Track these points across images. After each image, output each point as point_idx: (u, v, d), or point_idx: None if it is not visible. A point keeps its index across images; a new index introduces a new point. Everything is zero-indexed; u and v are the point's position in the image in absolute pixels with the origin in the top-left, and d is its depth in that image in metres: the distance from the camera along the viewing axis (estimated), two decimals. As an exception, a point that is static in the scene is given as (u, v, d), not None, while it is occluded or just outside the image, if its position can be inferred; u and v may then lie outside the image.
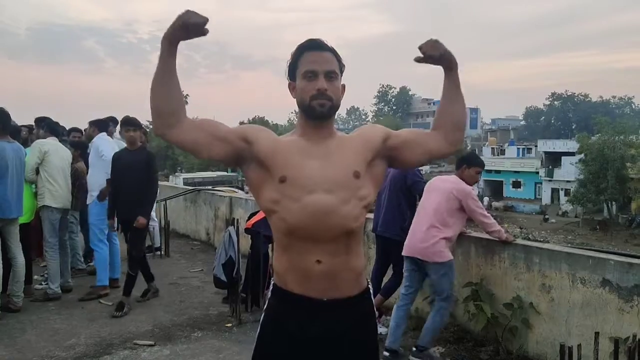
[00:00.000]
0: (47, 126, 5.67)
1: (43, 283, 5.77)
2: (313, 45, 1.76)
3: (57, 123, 5.81)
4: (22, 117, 6.30)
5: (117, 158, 5.19)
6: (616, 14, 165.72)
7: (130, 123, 5.11)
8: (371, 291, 1.86)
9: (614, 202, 35.46)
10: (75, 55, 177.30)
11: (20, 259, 4.98)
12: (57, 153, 5.44)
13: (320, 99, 1.71)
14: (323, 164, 1.71)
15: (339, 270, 1.72)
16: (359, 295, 1.78)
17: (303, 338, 1.73)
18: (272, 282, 1.84)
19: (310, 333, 1.72)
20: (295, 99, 1.79)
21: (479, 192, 48.36)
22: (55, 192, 5.33)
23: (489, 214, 4.19)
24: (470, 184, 4.20)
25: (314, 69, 1.72)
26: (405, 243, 4.14)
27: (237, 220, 5.32)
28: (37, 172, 5.31)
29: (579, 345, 3.03)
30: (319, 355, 1.74)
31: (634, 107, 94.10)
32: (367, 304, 1.83)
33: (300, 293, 1.71)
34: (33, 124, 6.00)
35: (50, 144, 5.42)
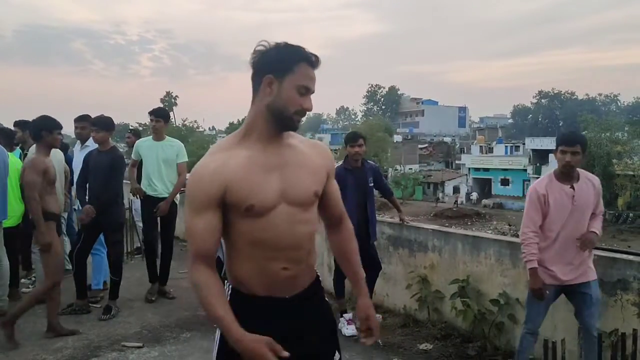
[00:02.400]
0: None
1: (30, 286, 5.73)
2: (312, 61, 1.71)
3: None
4: (9, 118, 6.21)
5: (87, 158, 5.08)
6: (600, 12, 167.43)
7: (96, 123, 4.98)
8: (319, 277, 1.96)
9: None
10: (62, 57, 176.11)
11: (4, 262, 4.94)
12: (55, 158, 5.40)
13: (301, 115, 1.73)
14: (283, 177, 1.73)
15: (302, 272, 1.82)
16: (313, 285, 1.89)
17: (271, 336, 1.70)
18: (229, 289, 1.82)
19: (278, 331, 1.71)
20: (266, 96, 1.69)
21: (467, 190, 48.71)
22: None
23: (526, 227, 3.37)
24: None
25: (309, 87, 1.71)
26: None
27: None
28: None
29: (563, 340, 3.08)
30: (290, 350, 1.70)
31: (619, 104, 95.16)
32: (320, 290, 1.95)
33: (266, 295, 1.76)
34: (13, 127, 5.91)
35: None
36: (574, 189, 3.33)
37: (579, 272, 3.32)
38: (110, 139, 5.07)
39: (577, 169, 3.39)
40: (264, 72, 1.69)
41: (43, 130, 4.28)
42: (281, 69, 1.68)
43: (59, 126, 4.46)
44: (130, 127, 7.35)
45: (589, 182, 3.39)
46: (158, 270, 5.64)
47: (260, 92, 1.70)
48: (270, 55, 1.68)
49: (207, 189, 1.67)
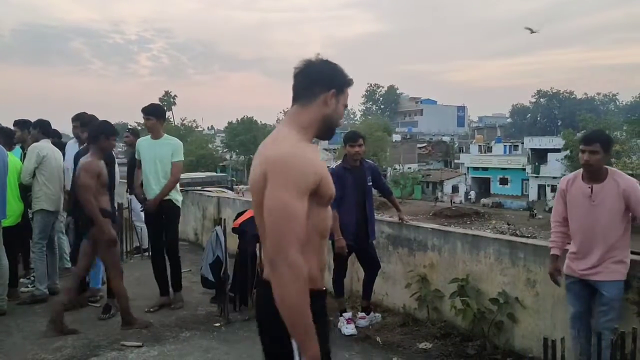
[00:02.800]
0: (40, 128, 5.62)
1: (29, 286, 5.72)
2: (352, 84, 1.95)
3: (49, 123, 5.76)
4: (8, 118, 6.20)
5: (76, 159, 4.99)
6: (599, 11, 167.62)
7: (85, 122, 4.98)
8: None
9: (599, 198, 35.83)
10: (61, 57, 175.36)
11: (4, 261, 4.94)
12: (54, 157, 5.42)
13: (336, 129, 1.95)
14: None
15: None
16: None
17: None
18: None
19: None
20: (327, 107, 1.84)
21: (466, 189, 48.74)
22: (53, 196, 5.31)
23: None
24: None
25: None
26: None
27: (224, 220, 5.31)
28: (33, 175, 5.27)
29: (563, 339, 3.08)
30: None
31: (618, 103, 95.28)
32: None
33: (321, 287, 1.88)
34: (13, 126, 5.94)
35: (48, 148, 5.38)
36: (592, 188, 3.32)
37: (596, 270, 3.31)
38: None
39: (610, 168, 3.40)
40: (329, 86, 1.83)
41: (102, 135, 4.49)
42: (340, 86, 1.88)
43: (117, 133, 4.70)
44: (129, 127, 7.31)
45: (614, 183, 3.31)
46: (169, 280, 5.33)
47: (321, 102, 1.83)
48: (331, 71, 1.86)
49: (313, 174, 1.72)
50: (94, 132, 4.54)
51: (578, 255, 3.41)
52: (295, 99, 1.86)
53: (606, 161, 3.38)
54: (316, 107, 1.83)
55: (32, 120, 5.88)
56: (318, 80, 1.83)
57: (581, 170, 3.46)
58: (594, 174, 3.35)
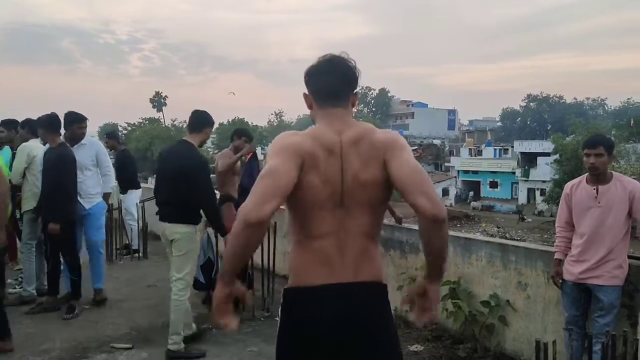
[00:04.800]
0: (28, 127, 5.55)
1: (17, 287, 5.64)
2: None
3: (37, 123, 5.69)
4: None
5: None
6: (589, 17, 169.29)
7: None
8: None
9: (588, 202, 36.13)
10: (51, 56, 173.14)
11: None
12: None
13: None
14: None
15: None
16: None
17: None
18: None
19: None
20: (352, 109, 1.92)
21: (457, 192, 48.97)
22: None
23: None
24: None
25: None
26: None
27: (216, 221, 5.27)
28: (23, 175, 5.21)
29: (554, 342, 3.09)
30: None
31: (606, 108, 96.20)
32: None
33: None
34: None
35: (38, 148, 5.32)
36: (597, 189, 3.39)
37: (595, 273, 3.33)
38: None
39: (615, 173, 3.49)
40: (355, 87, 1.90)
41: (234, 135, 5.58)
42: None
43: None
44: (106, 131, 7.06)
45: (619, 185, 3.39)
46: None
47: (353, 104, 1.89)
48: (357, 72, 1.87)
49: None
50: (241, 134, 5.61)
51: (578, 257, 3.43)
52: (337, 99, 1.82)
53: (610, 164, 3.47)
54: (350, 108, 1.87)
55: (20, 119, 5.81)
56: (353, 82, 1.85)
57: (585, 175, 3.52)
58: (600, 177, 3.42)
